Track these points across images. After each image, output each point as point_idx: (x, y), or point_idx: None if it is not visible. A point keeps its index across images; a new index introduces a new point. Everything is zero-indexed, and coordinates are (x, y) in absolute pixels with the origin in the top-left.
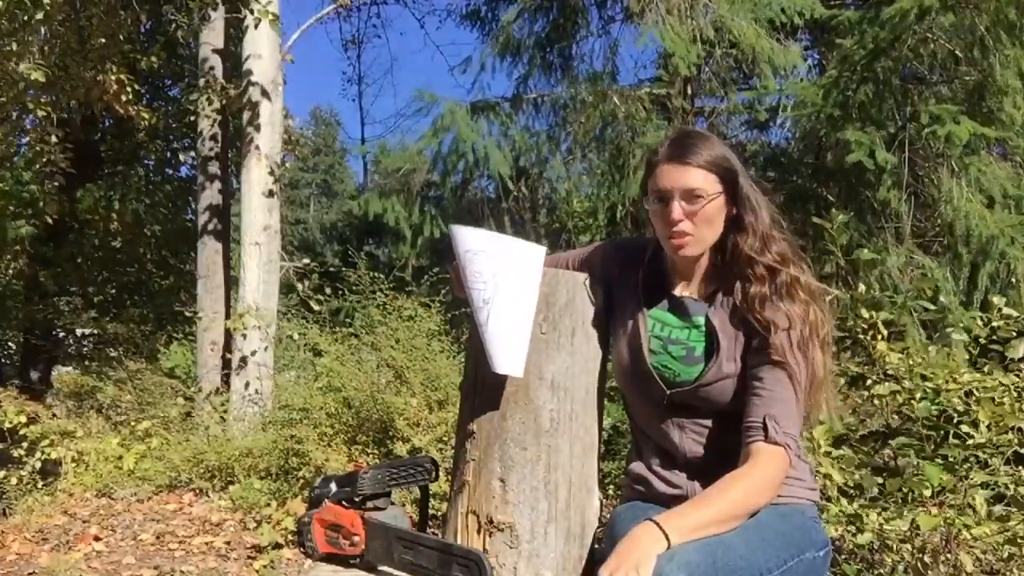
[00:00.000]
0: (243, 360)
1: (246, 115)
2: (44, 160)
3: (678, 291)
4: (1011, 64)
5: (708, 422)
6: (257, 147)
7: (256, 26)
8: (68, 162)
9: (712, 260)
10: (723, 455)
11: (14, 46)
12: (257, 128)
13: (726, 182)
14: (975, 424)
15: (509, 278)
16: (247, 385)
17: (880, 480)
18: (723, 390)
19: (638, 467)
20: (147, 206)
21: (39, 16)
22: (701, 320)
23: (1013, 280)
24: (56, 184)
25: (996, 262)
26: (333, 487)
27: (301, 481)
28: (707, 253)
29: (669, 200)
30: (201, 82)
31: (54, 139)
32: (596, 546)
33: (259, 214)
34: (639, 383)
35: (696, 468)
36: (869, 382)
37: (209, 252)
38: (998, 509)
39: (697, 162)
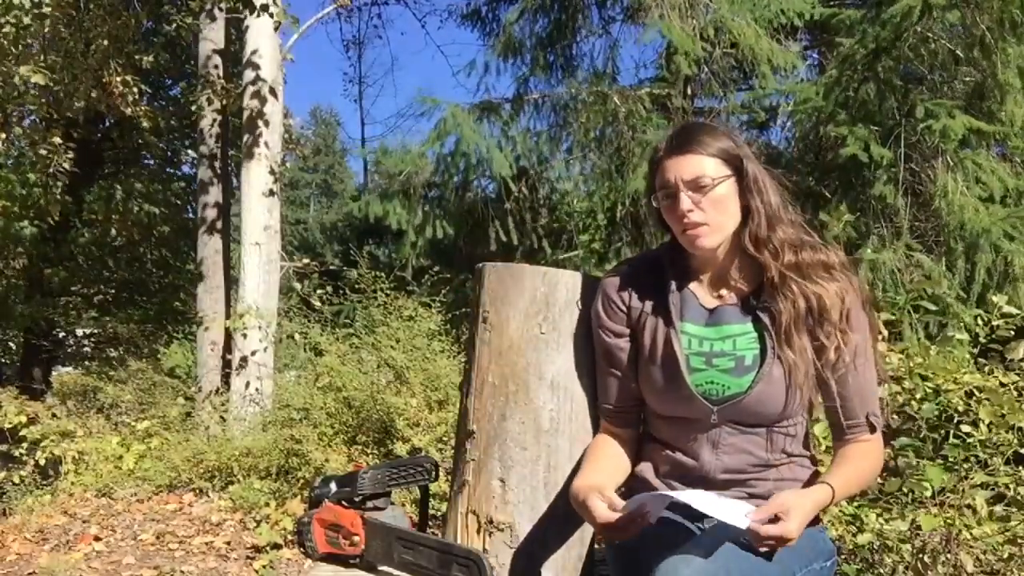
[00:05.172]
0: (243, 360)
1: (246, 115)
2: (49, 162)
3: (711, 302)
4: (1012, 63)
5: (747, 438)
6: (257, 146)
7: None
8: (72, 163)
9: (737, 258)
10: (746, 474)
11: (14, 49)
12: (257, 128)
13: (732, 165)
14: (975, 424)
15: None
16: (247, 385)
17: (880, 480)
18: (772, 395)
19: (645, 470)
20: (148, 204)
21: (38, 11)
22: (746, 327)
23: (1010, 274)
24: (60, 185)
25: (992, 257)
26: (333, 487)
27: (301, 481)
28: (730, 252)
29: (676, 192)
30: (202, 82)
31: (57, 140)
32: (596, 546)
33: (259, 214)
34: (680, 407)
35: (714, 486)
36: None
37: (209, 252)
38: (998, 509)
39: (698, 150)
